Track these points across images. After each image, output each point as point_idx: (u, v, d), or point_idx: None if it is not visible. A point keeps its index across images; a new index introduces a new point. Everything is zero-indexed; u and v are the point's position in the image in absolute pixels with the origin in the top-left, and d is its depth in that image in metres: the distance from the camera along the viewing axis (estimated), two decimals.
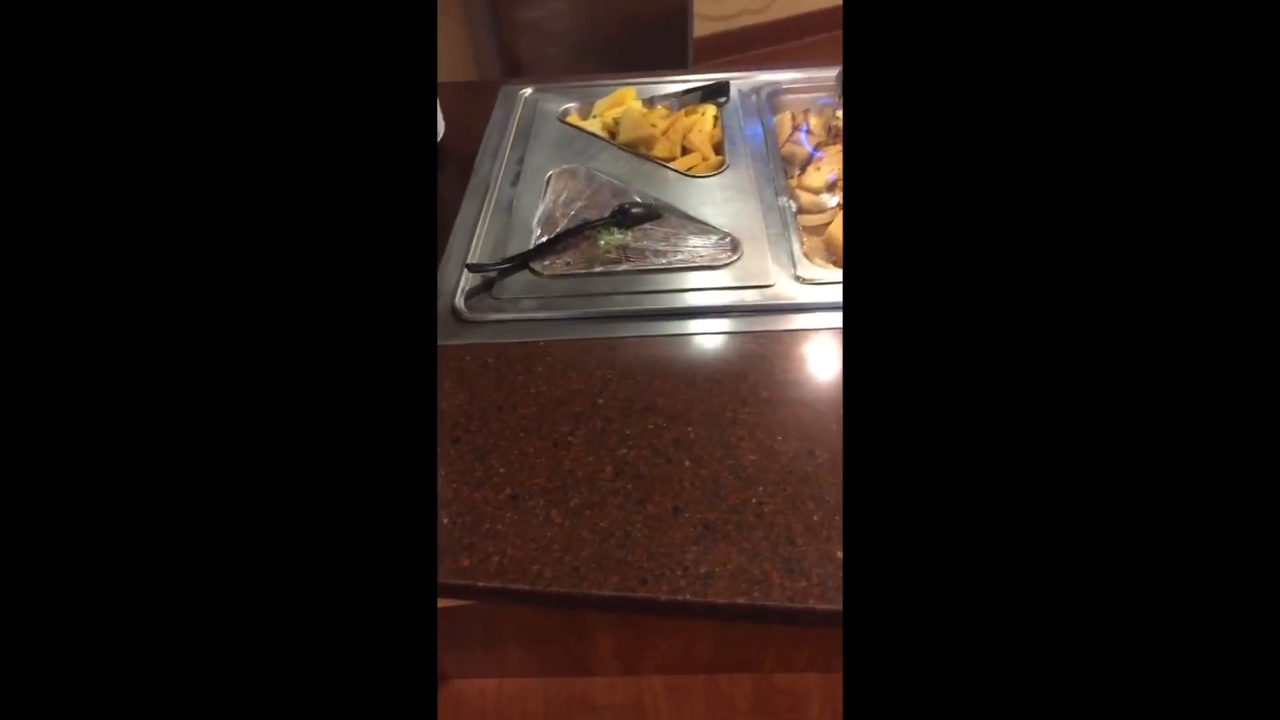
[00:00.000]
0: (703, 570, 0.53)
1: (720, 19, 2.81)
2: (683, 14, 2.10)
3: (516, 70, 1.99)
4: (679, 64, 2.15)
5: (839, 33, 3.02)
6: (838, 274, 0.79)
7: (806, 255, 0.84)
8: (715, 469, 0.60)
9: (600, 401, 0.66)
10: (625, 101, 1.04)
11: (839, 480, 0.59)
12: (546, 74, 2.00)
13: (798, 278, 0.77)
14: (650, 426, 0.64)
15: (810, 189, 0.91)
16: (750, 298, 0.75)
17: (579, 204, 0.90)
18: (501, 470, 0.61)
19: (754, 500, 0.58)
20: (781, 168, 0.93)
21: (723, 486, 0.59)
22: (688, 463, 0.61)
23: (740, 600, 0.52)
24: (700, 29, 2.80)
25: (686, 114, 1.02)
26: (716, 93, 1.05)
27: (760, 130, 0.99)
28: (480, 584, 0.54)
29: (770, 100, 1.06)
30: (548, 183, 0.93)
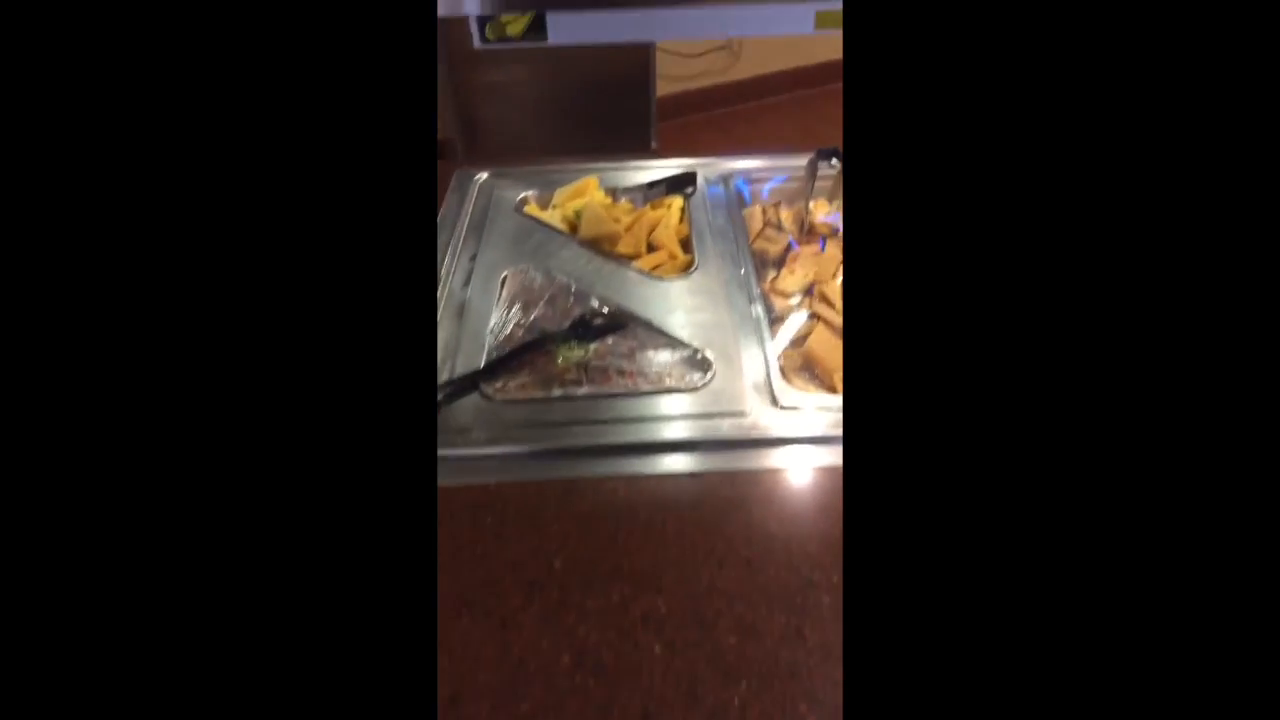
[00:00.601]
0: None
1: (683, 79, 2.80)
2: (644, 76, 2.07)
3: (474, 131, 1.93)
4: (642, 123, 2.11)
5: (800, 93, 3.05)
6: (820, 398, 0.72)
7: (784, 371, 0.77)
8: (691, 657, 0.52)
9: (557, 565, 0.58)
10: (587, 192, 0.98)
11: (832, 669, 0.51)
12: (506, 136, 1.94)
13: (775, 403, 0.70)
14: (615, 598, 0.56)
15: (784, 293, 0.85)
16: (724, 429, 0.68)
17: (536, 311, 0.82)
18: (442, 661, 0.52)
19: (736, 701, 0.50)
20: (754, 268, 0.87)
21: (700, 682, 0.51)
22: (658, 648, 0.53)
23: None
24: (662, 88, 2.78)
25: (652, 208, 0.95)
26: (683, 183, 0.99)
27: (730, 225, 0.94)
28: None
29: (739, 192, 1.01)
30: (502, 284, 0.86)
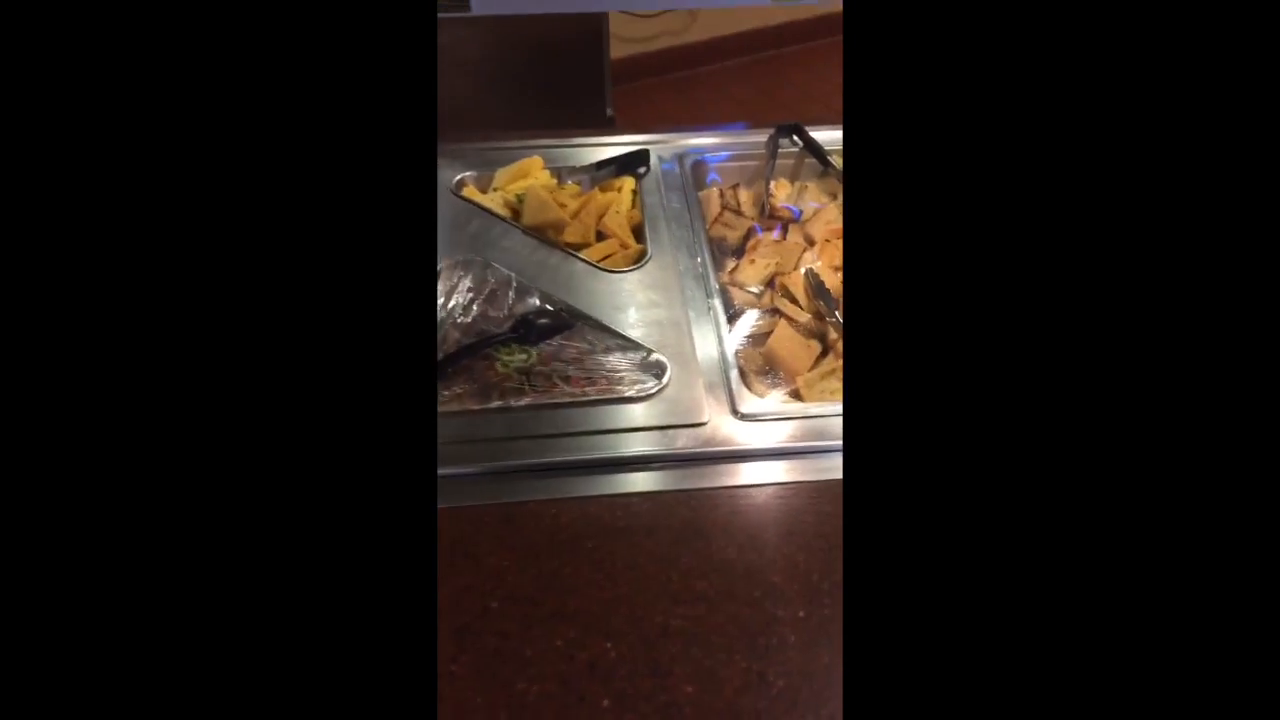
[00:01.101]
0: None
1: (639, 40, 2.70)
2: (597, 38, 1.97)
3: None
4: (596, 89, 2.02)
5: (760, 55, 2.96)
6: (783, 405, 0.67)
7: (744, 373, 0.72)
8: (643, 711, 0.47)
9: (494, 605, 0.52)
10: (530, 173, 0.90)
11: None
12: (443, 107, 1.84)
13: (735, 412, 0.65)
14: (559, 643, 0.50)
15: (743, 286, 0.79)
16: (681, 442, 0.63)
17: (475, 308, 0.75)
18: None
19: None
20: (710, 257, 0.81)
21: None
22: (607, 702, 0.47)
23: None
24: (617, 50, 2.67)
25: (601, 190, 0.88)
26: (635, 162, 0.92)
27: (685, 209, 0.87)
28: None
29: (695, 172, 0.94)
30: (438, 276, 0.79)
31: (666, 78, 2.80)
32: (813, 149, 0.94)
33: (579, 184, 0.88)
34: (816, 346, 0.73)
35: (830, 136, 0.97)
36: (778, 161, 0.96)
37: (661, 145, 0.97)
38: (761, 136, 0.96)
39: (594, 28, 1.90)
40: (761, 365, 0.73)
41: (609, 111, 2.08)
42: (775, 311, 0.75)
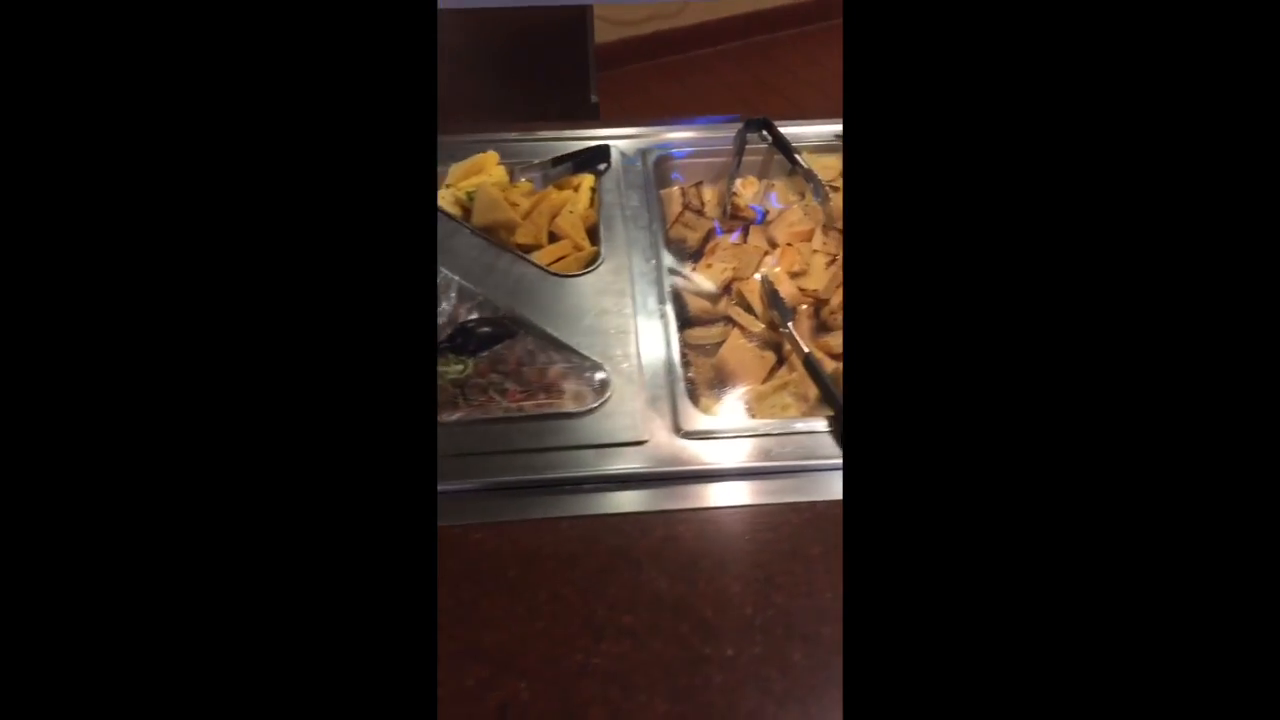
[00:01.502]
0: None
1: (628, 24, 2.64)
2: (581, 20, 1.92)
3: None
4: (579, 74, 1.97)
5: (755, 39, 2.90)
6: (730, 421, 0.64)
7: (694, 386, 0.68)
8: None
9: None
10: (485, 169, 0.86)
11: None
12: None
13: (679, 430, 0.62)
14: (469, 683, 0.47)
15: (700, 292, 0.76)
16: (616, 462, 0.59)
17: None
18: None
19: None
20: (667, 259, 0.77)
21: None
22: None
23: None
24: (606, 34, 2.62)
25: (558, 189, 0.85)
26: (594, 159, 0.88)
27: (645, 209, 0.83)
28: None
29: (659, 168, 0.90)
30: None
31: (659, 62, 2.74)
32: (781, 146, 0.90)
33: (531, 181, 0.85)
34: (771, 358, 0.70)
35: (803, 131, 0.94)
36: (746, 158, 0.92)
37: (637, 139, 0.93)
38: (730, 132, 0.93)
39: (578, 11, 1.85)
40: (713, 378, 0.70)
41: (593, 98, 2.03)
42: (729, 320, 0.72)
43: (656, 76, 2.68)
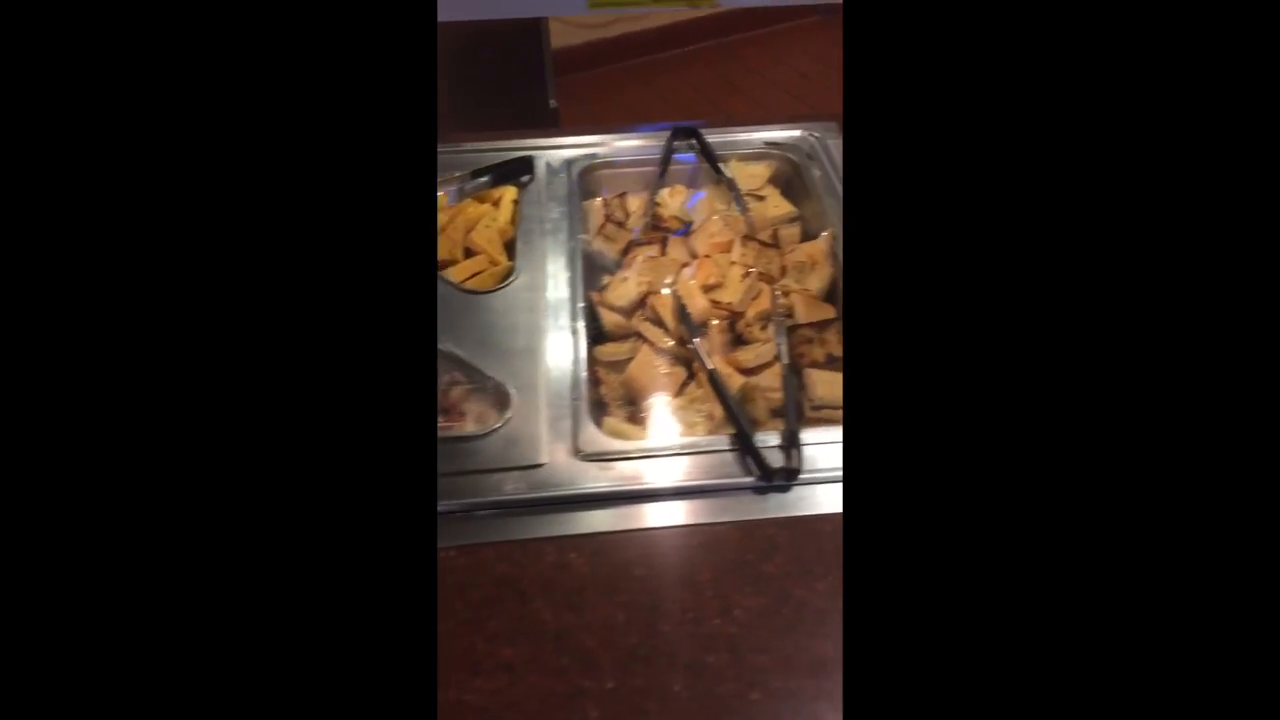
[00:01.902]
0: None
1: (594, 26, 2.62)
2: (535, 24, 1.90)
3: None
4: (535, 78, 1.95)
5: (724, 39, 2.87)
6: (630, 443, 0.62)
7: (603, 403, 0.67)
8: None
9: None
10: None
11: None
12: None
13: (579, 452, 0.60)
14: None
15: (614, 306, 0.74)
16: (509, 487, 0.58)
17: None
18: None
19: None
20: (582, 275, 0.76)
21: None
22: None
23: None
24: (571, 37, 2.60)
25: (479, 201, 0.83)
26: (517, 170, 0.87)
27: (566, 221, 0.82)
28: None
29: (583, 179, 0.89)
30: None
31: (627, 64, 2.73)
32: (708, 156, 0.89)
33: (445, 195, 0.83)
34: (682, 373, 0.69)
35: (735, 139, 0.93)
36: (673, 168, 0.91)
37: (565, 149, 0.92)
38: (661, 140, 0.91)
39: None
40: (623, 394, 0.69)
41: (552, 103, 2.02)
42: (638, 336, 0.71)
43: (624, 79, 2.67)
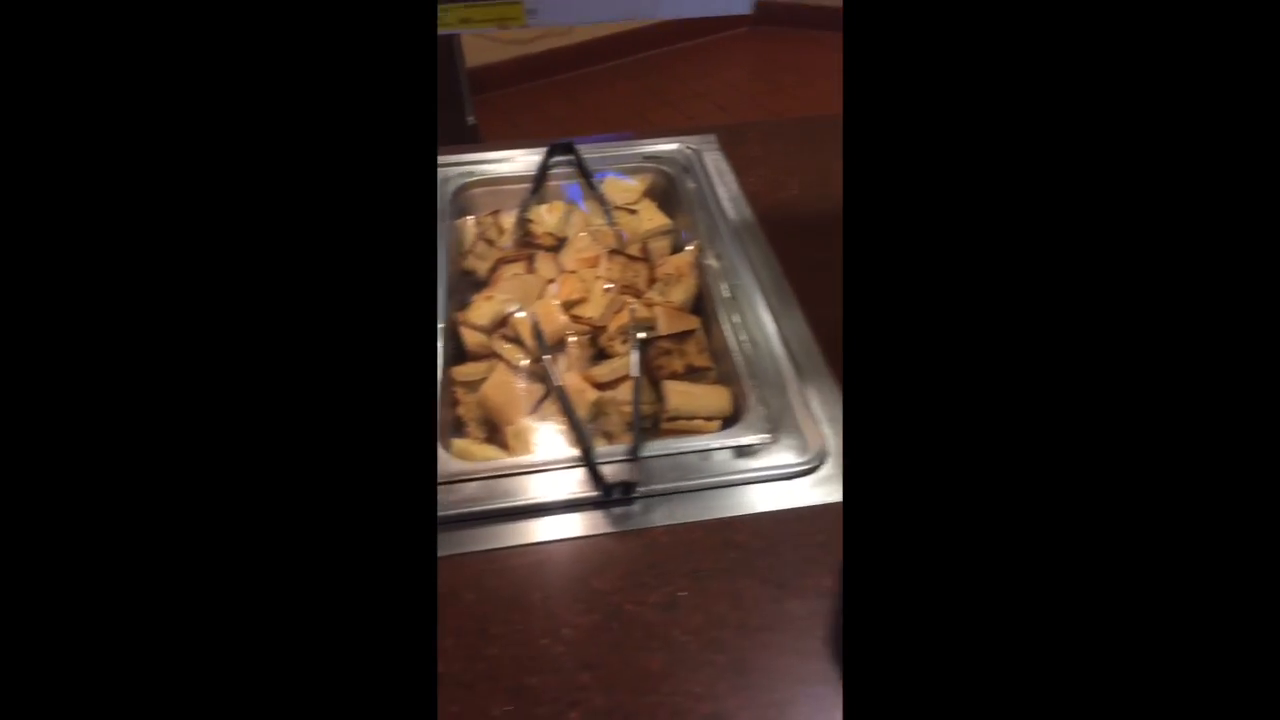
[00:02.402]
0: None
1: (520, 43, 2.63)
2: (447, 40, 1.89)
3: None
4: (452, 97, 1.95)
5: (649, 53, 2.89)
6: (480, 464, 0.62)
7: (464, 425, 0.67)
8: None
9: None
10: None
11: None
12: None
13: None
14: None
15: (476, 326, 0.74)
16: None
17: None
18: None
19: None
20: (448, 294, 0.76)
21: None
22: None
23: None
24: (498, 53, 2.60)
25: None
26: None
27: (438, 240, 0.81)
28: None
29: (458, 197, 0.88)
30: None
31: (554, 79, 2.74)
32: (583, 171, 0.90)
33: None
34: (539, 390, 0.68)
35: (615, 154, 0.93)
36: (555, 184, 0.91)
37: (440, 168, 0.91)
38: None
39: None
40: (480, 414, 0.68)
41: (470, 119, 2.01)
42: (494, 355, 0.70)
43: (550, 94, 2.67)
